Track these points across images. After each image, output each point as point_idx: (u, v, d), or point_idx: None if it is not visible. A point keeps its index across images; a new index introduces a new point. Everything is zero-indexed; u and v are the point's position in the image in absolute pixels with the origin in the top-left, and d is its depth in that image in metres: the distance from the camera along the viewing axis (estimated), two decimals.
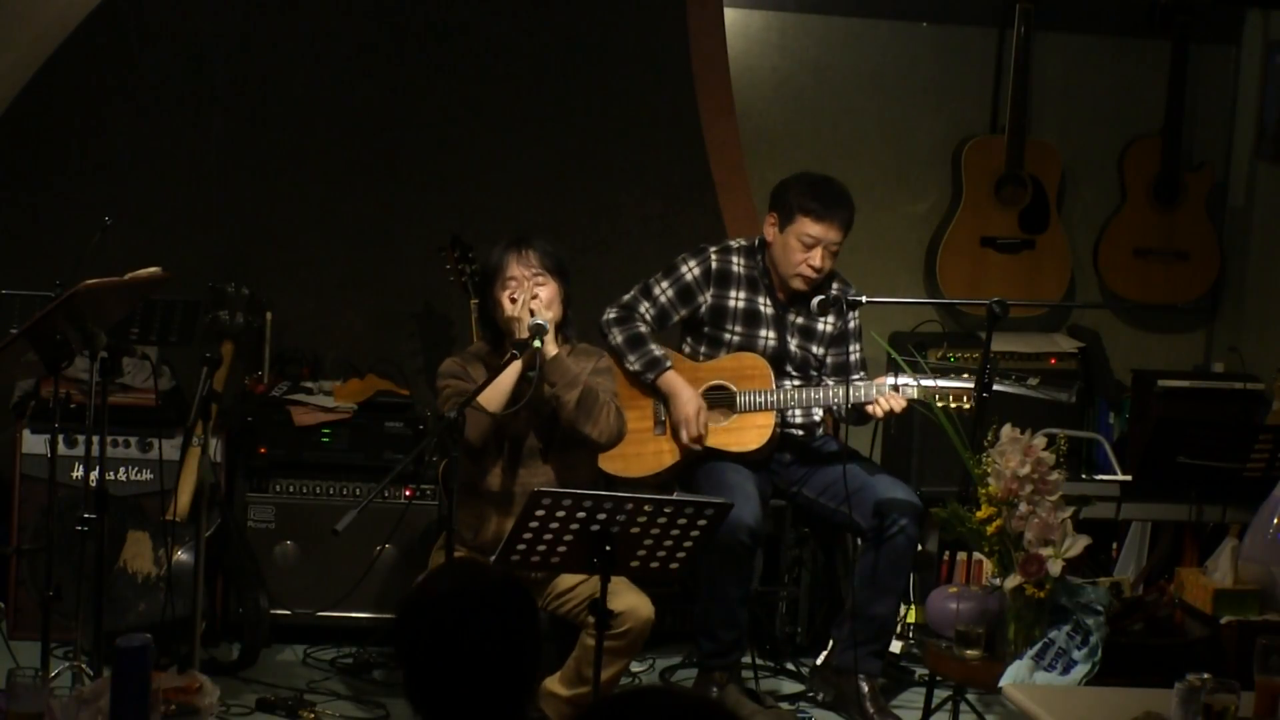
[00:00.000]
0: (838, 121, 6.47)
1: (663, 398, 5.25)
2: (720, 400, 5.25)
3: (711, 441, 5.21)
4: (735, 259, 5.31)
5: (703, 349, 5.33)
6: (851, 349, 5.36)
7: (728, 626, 5.19)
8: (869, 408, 5.10)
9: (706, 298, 5.28)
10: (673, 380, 5.22)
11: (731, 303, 5.28)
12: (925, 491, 5.74)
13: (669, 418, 5.23)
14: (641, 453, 5.23)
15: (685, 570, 4.21)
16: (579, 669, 4.61)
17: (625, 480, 5.23)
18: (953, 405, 5.05)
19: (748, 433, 5.23)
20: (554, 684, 4.70)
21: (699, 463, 5.22)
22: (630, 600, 4.60)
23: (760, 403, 5.22)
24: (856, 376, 5.27)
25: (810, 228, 5.18)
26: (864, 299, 5.25)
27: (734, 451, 5.22)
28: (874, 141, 6.49)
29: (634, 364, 5.23)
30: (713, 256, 5.30)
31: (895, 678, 5.51)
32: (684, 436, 5.18)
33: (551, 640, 4.80)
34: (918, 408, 5.21)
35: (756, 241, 5.35)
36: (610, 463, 5.16)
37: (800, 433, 5.36)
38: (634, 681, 5.32)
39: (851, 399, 5.12)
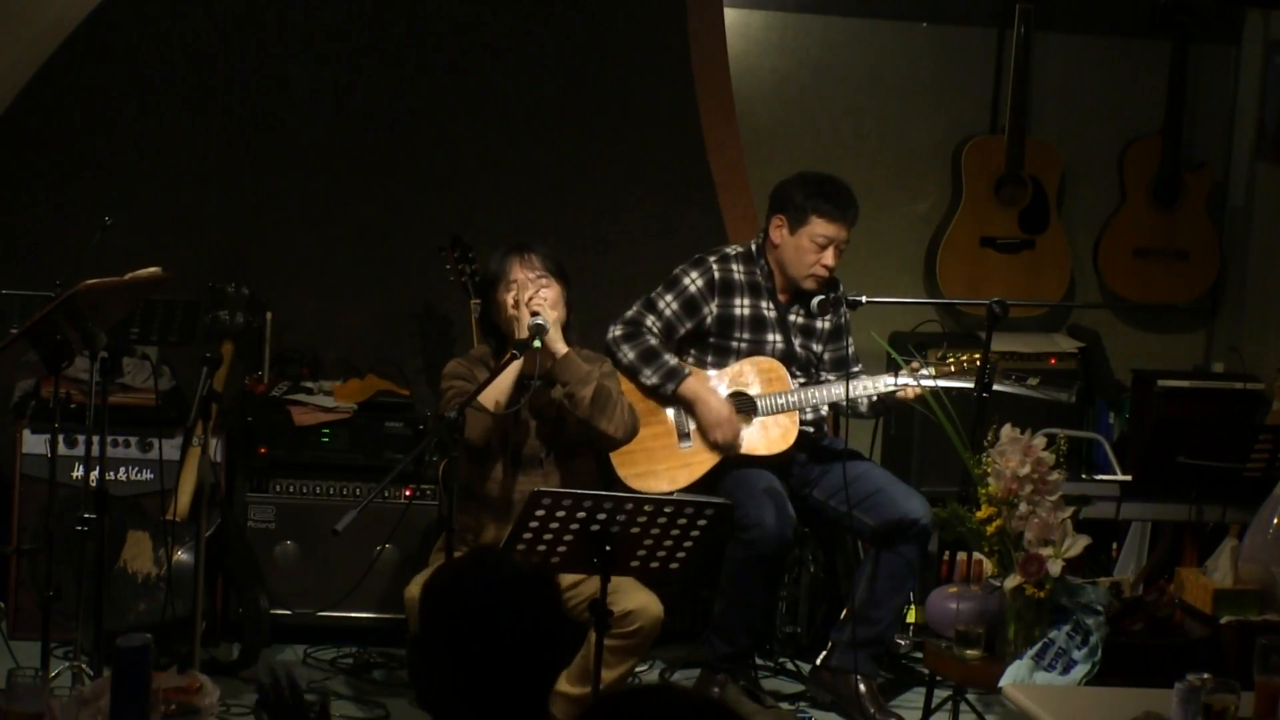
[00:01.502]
0: (838, 121, 6.47)
1: (684, 408, 5.22)
2: (741, 406, 5.24)
3: (741, 447, 5.21)
4: (735, 266, 5.30)
5: (709, 359, 5.31)
6: (848, 343, 5.39)
7: (747, 633, 5.21)
8: (898, 394, 5.13)
9: (712, 309, 5.27)
10: (694, 387, 5.19)
11: (737, 311, 5.28)
12: (925, 491, 5.74)
13: (698, 424, 5.20)
14: (671, 466, 5.20)
15: (686, 570, 4.21)
16: (587, 667, 4.60)
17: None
18: (953, 377, 5.07)
19: (773, 435, 5.23)
20: (561, 682, 4.69)
21: (726, 470, 5.20)
22: (641, 599, 4.61)
23: (782, 404, 5.22)
24: (856, 368, 5.30)
25: (825, 228, 5.19)
26: (864, 299, 5.26)
27: (761, 456, 5.22)
28: (874, 141, 6.49)
29: (651, 378, 5.19)
30: (714, 267, 5.28)
31: (899, 676, 5.50)
32: (719, 438, 5.15)
33: None
34: (918, 407, 5.21)
35: (754, 246, 5.34)
36: (640, 481, 5.12)
37: (811, 430, 5.36)
38: (635, 681, 5.32)
39: (876, 390, 5.16)
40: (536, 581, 2.75)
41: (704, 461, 5.20)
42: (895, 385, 5.14)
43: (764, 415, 5.22)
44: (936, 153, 6.51)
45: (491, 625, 2.66)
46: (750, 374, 5.26)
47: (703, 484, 5.18)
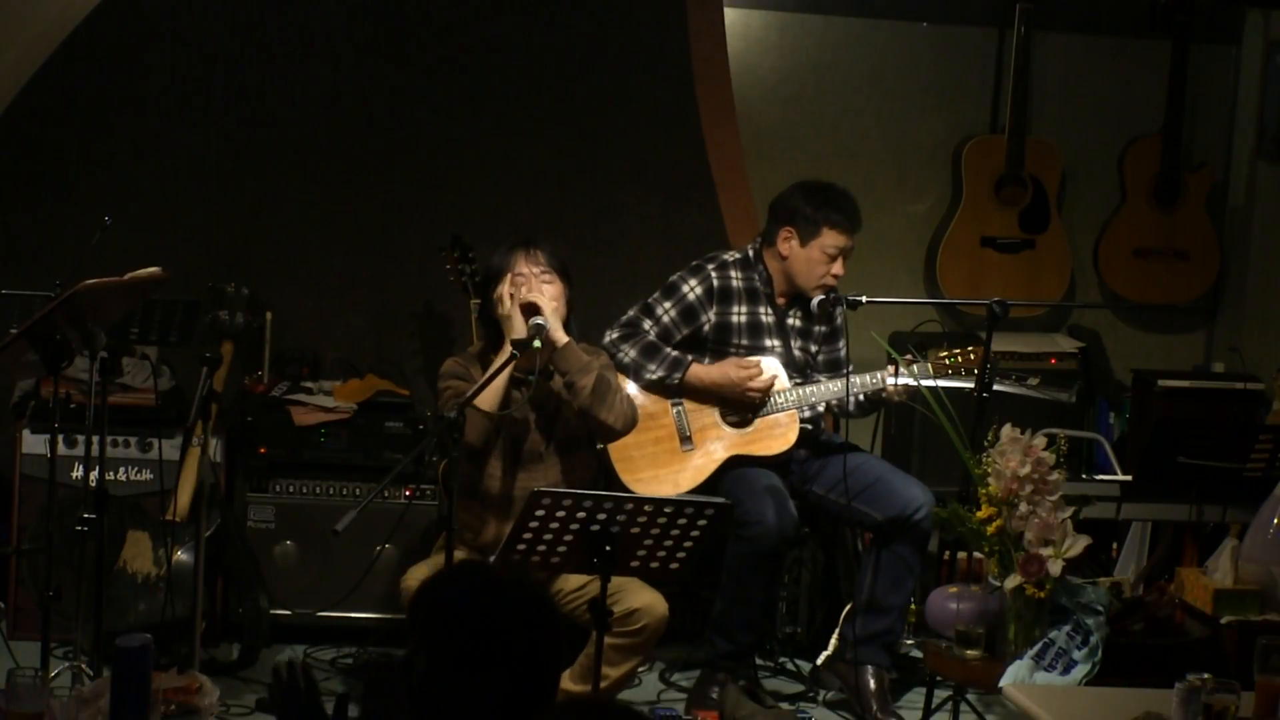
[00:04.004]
0: (838, 121, 6.47)
1: (695, 394, 5.22)
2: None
3: (742, 449, 5.22)
4: (733, 273, 5.31)
5: (706, 364, 5.31)
6: (841, 344, 5.40)
7: (748, 630, 5.21)
8: (884, 394, 5.14)
9: (710, 316, 5.28)
10: (700, 370, 5.22)
11: (735, 318, 5.29)
12: None
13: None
14: (675, 470, 5.21)
15: (686, 570, 4.21)
16: (591, 665, 4.60)
17: None
18: (960, 365, 5.11)
19: (774, 435, 5.24)
20: (564, 680, 4.68)
21: (728, 470, 5.21)
22: (646, 598, 4.62)
23: (781, 404, 5.24)
24: (850, 369, 5.31)
25: (837, 239, 5.22)
26: (864, 299, 5.26)
27: (764, 456, 5.23)
28: (874, 141, 6.49)
29: (655, 372, 5.21)
30: (712, 275, 5.29)
31: (905, 675, 5.50)
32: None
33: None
34: (917, 407, 5.22)
35: (750, 252, 5.35)
36: (644, 486, 5.13)
37: (810, 426, 5.37)
38: (639, 682, 5.32)
39: (867, 386, 5.17)
40: (530, 595, 2.67)
41: (707, 465, 5.21)
42: (888, 382, 5.13)
43: (764, 416, 5.24)
44: (936, 153, 6.51)
45: (490, 648, 2.58)
46: None
47: (705, 485, 5.19)
